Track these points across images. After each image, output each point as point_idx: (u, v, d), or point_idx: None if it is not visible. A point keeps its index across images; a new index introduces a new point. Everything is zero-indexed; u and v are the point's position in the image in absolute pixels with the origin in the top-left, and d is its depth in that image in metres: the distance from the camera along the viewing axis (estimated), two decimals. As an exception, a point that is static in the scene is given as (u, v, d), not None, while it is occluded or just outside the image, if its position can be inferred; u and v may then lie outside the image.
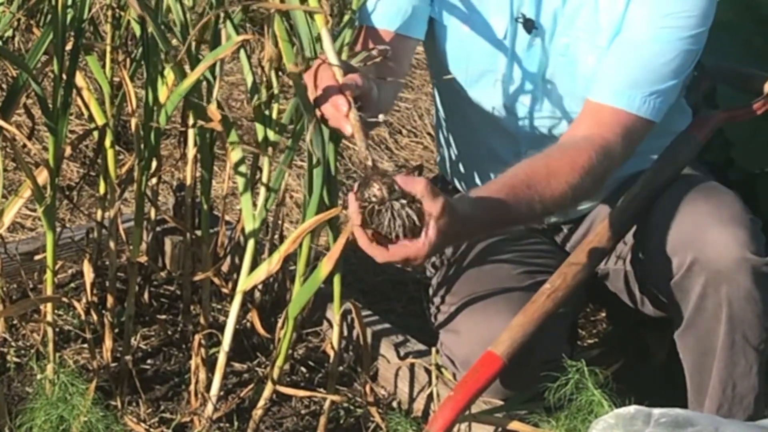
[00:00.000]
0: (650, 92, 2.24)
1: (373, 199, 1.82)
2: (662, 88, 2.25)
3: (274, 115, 2.24)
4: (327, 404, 2.34)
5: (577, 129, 2.26)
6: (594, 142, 2.20)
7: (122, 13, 2.39)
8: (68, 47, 2.19)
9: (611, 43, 2.28)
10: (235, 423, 2.38)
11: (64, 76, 2.19)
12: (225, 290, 2.48)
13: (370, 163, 1.85)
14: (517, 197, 2.07)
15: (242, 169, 2.25)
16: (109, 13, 2.38)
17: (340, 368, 2.48)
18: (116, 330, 2.45)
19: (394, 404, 2.51)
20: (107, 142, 2.40)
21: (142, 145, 2.34)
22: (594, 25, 2.29)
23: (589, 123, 2.24)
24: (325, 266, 2.07)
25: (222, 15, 2.20)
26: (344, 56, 2.04)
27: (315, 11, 1.94)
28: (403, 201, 1.82)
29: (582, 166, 2.15)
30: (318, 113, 1.95)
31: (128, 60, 2.40)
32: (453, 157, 2.54)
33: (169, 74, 2.30)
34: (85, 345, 2.49)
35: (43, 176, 2.22)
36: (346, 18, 2.06)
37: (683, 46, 2.25)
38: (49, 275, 2.28)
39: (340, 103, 1.89)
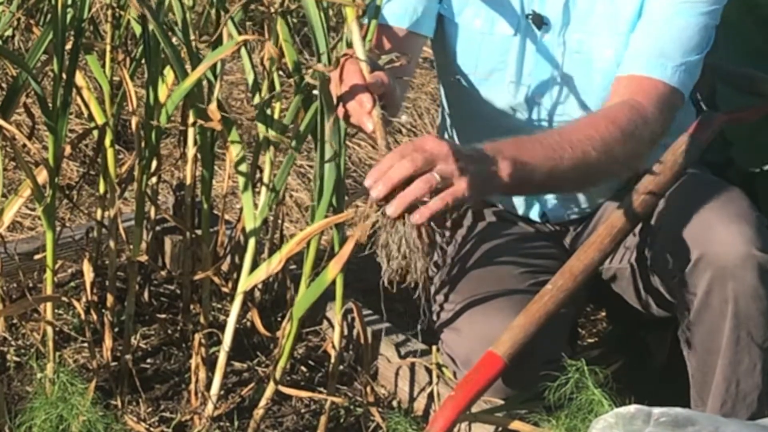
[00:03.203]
0: (680, 63, 2.25)
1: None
2: (689, 60, 2.27)
3: (276, 115, 2.23)
4: (327, 404, 2.34)
5: (610, 102, 2.26)
6: (626, 102, 2.20)
7: (122, 13, 2.39)
8: (68, 47, 2.19)
9: (632, 28, 2.29)
10: (236, 422, 2.37)
11: (64, 76, 2.19)
12: (225, 289, 2.47)
13: None
14: (537, 139, 2.06)
15: (243, 168, 2.25)
16: (109, 12, 2.38)
17: (340, 367, 2.48)
18: (116, 329, 2.44)
19: (395, 404, 2.51)
20: (107, 141, 2.39)
21: (143, 144, 2.34)
22: (613, 13, 2.30)
23: (623, 93, 2.24)
24: (332, 270, 2.06)
25: (223, 13, 2.20)
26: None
27: (346, 3, 1.92)
28: None
29: (612, 120, 2.14)
30: (340, 108, 1.94)
31: (128, 59, 2.40)
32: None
33: (169, 73, 2.29)
34: (85, 344, 2.49)
35: (42, 175, 2.21)
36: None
37: (704, 21, 2.28)
38: (48, 274, 2.28)
39: (364, 100, 1.88)
